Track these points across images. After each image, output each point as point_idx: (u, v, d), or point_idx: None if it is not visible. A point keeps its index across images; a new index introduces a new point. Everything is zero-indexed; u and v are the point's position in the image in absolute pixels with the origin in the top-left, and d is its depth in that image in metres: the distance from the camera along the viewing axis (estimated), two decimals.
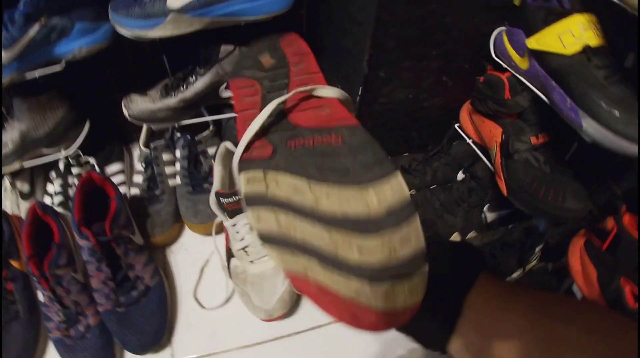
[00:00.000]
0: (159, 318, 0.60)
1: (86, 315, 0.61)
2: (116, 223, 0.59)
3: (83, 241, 0.58)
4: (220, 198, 0.58)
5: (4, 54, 0.60)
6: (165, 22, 0.59)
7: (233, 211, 0.59)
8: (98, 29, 0.62)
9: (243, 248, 0.60)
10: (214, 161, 0.63)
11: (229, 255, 0.63)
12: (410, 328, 0.32)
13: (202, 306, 0.64)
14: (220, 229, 0.64)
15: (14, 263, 0.66)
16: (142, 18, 0.59)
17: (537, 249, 0.66)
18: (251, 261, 0.60)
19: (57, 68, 0.63)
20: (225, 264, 0.63)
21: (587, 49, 0.52)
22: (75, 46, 0.62)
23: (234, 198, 0.57)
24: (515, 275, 0.65)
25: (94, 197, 0.64)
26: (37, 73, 0.64)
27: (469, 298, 0.31)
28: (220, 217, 0.61)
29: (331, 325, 0.61)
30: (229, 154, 0.64)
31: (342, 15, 0.64)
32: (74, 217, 0.60)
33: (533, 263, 0.67)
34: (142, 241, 0.64)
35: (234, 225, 0.59)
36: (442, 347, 0.32)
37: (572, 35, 0.55)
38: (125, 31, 0.61)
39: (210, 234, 0.69)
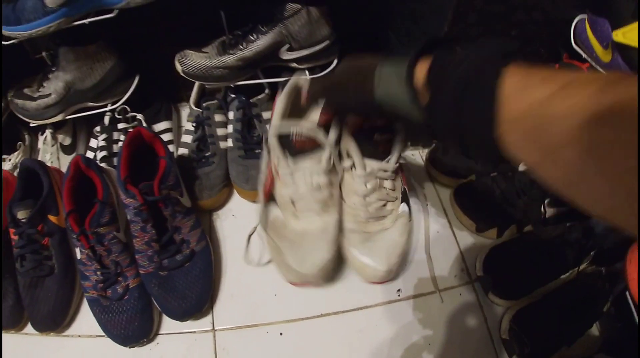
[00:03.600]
0: (203, 285, 0.56)
1: (126, 277, 0.56)
2: (165, 183, 0.54)
3: (129, 199, 0.53)
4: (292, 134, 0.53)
5: None
6: None
7: (299, 150, 0.53)
8: None
9: (291, 198, 0.54)
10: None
11: (269, 199, 0.57)
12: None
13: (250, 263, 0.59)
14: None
15: (52, 218, 0.61)
16: None
17: (592, 251, 0.61)
18: (295, 216, 0.54)
19: (109, 16, 0.58)
20: (263, 209, 0.56)
21: None
22: None
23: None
24: (566, 275, 0.61)
25: (141, 154, 0.58)
26: (87, 20, 0.58)
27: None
28: (276, 155, 0.53)
29: (378, 306, 0.57)
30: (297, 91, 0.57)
31: None
32: (120, 174, 0.55)
33: (585, 265, 0.62)
34: (189, 204, 0.58)
35: (292, 170, 0.53)
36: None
37: None
38: None
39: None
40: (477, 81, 0.29)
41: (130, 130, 0.66)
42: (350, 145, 0.53)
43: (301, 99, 0.53)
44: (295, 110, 0.58)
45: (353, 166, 0.54)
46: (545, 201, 0.62)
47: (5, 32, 0.57)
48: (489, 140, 0.28)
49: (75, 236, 0.55)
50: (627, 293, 0.56)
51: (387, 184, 0.55)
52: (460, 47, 0.33)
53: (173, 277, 0.55)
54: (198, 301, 0.55)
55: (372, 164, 0.53)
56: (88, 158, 0.58)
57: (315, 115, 0.57)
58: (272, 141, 0.53)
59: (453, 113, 0.30)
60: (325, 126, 0.53)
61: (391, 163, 0.53)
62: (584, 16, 0.59)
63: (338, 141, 0.55)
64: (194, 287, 0.55)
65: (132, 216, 0.54)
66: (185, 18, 0.66)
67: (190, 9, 0.64)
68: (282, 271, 0.55)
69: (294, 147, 0.53)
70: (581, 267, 0.61)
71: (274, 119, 0.56)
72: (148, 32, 0.66)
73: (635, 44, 0.53)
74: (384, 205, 0.56)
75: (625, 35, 0.53)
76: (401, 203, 0.56)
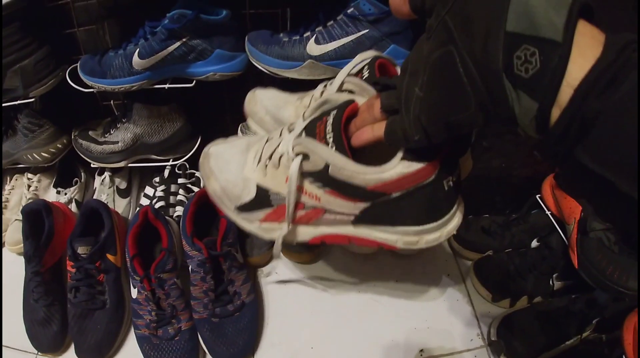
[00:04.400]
0: (249, 334, 0.62)
1: (179, 319, 0.62)
2: (226, 240, 0.61)
3: (194, 252, 0.60)
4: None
5: (140, 62, 0.63)
6: (302, 67, 0.62)
7: None
8: (235, 58, 0.65)
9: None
10: None
11: None
12: None
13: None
14: None
15: (110, 257, 0.67)
16: (280, 58, 0.62)
17: (595, 320, 0.69)
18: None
19: (188, 85, 0.66)
20: None
21: None
22: (211, 69, 0.65)
23: None
24: (570, 341, 0.68)
25: (203, 211, 0.66)
26: (167, 86, 0.67)
27: None
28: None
29: None
30: None
31: None
32: (186, 228, 0.62)
33: (588, 333, 0.69)
34: (242, 260, 0.65)
35: None
36: None
37: None
38: (261, 66, 0.64)
39: (302, 263, 0.72)
40: None
41: (189, 185, 0.74)
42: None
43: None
44: None
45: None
46: (554, 276, 0.70)
47: (89, 82, 0.65)
48: None
49: (138, 278, 0.61)
50: (624, 357, 0.63)
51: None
52: None
53: (224, 324, 0.61)
54: (244, 348, 0.61)
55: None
56: (156, 209, 0.65)
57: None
58: None
59: None
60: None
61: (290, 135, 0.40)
62: None
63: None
64: (242, 335, 0.61)
65: (195, 267, 0.60)
66: (248, 92, 0.74)
67: (254, 85, 0.73)
68: None
69: None
70: (584, 335, 0.69)
71: None
72: (214, 101, 0.75)
73: None
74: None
75: None
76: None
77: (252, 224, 0.45)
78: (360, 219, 0.39)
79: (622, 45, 0.20)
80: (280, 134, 0.43)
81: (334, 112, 0.36)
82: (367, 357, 0.63)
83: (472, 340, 0.67)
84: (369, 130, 0.33)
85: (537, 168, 0.71)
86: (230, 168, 0.44)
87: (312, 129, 0.37)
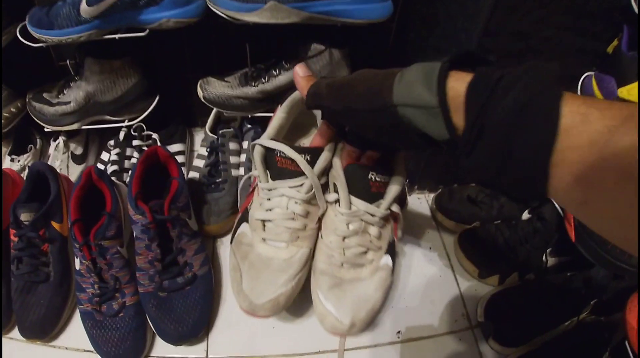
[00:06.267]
0: (201, 310, 0.54)
1: (124, 293, 0.55)
2: (175, 203, 0.54)
3: (138, 216, 0.52)
4: (277, 150, 0.45)
5: (88, 9, 0.56)
6: (264, 9, 0.55)
7: (280, 170, 0.46)
8: (190, 3, 0.58)
9: (263, 220, 0.48)
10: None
11: (243, 216, 0.51)
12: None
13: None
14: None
15: (55, 225, 0.60)
16: (239, 1, 0.55)
17: (592, 301, 0.61)
18: (263, 239, 0.48)
19: (140, 34, 0.59)
20: (236, 223, 0.51)
21: None
22: (164, 15, 0.58)
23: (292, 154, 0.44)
24: (566, 323, 0.60)
25: (154, 173, 0.58)
26: (118, 36, 0.60)
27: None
28: (258, 172, 0.48)
29: (378, 347, 0.56)
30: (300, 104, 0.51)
31: (438, 32, 0.59)
32: (131, 189, 0.54)
33: (585, 314, 0.62)
34: (196, 228, 0.58)
35: (270, 190, 0.47)
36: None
37: None
38: (218, 10, 0.56)
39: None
40: (536, 107, 0.24)
41: (144, 148, 0.67)
42: (338, 178, 0.46)
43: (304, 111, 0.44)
44: (299, 127, 0.54)
45: (338, 202, 0.47)
46: (547, 250, 0.62)
47: (36, 34, 0.58)
48: (538, 175, 0.25)
49: (77, 246, 0.54)
50: (627, 342, 0.55)
51: (373, 230, 0.47)
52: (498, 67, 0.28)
53: (172, 299, 0.54)
54: (195, 327, 0.54)
55: (359, 204, 0.46)
56: (101, 170, 0.58)
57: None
58: (256, 154, 0.46)
59: (500, 139, 0.25)
60: (317, 151, 0.46)
61: (381, 208, 0.46)
62: (592, 73, 0.61)
63: (327, 171, 0.48)
64: (192, 312, 0.54)
65: (139, 233, 0.53)
66: (210, 46, 0.67)
67: (217, 38, 0.66)
68: (234, 293, 0.48)
69: (277, 166, 0.47)
70: (581, 316, 0.61)
71: (267, 131, 0.50)
72: (173, 55, 0.68)
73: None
74: (364, 252, 0.48)
75: (630, 92, 0.55)
76: (385, 254, 0.49)
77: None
78: None
79: (480, 103, 0.26)
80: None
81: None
82: (335, 338, 0.56)
83: (457, 321, 0.59)
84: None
85: None
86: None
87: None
